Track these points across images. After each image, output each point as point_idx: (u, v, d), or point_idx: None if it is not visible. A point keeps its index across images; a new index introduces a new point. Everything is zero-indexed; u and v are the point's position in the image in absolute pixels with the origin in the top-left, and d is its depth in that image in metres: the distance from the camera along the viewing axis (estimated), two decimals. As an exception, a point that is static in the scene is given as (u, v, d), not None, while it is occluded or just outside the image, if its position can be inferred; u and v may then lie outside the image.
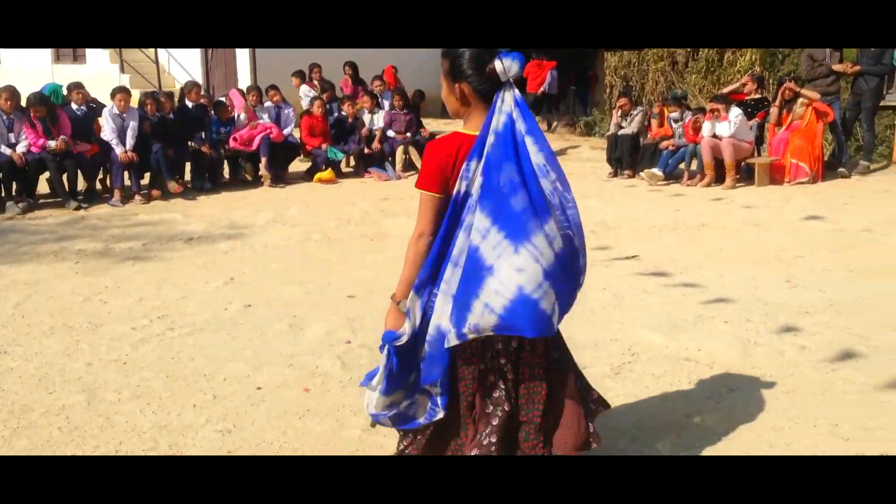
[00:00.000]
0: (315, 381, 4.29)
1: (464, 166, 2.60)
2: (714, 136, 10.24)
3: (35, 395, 4.09)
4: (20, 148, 9.26)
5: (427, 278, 2.69)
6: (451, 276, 2.62)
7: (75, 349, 4.76)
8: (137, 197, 9.74)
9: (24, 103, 9.62)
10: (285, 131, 11.25)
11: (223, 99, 11.61)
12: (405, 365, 2.78)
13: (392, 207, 9.22)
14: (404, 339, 2.72)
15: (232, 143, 10.82)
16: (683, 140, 10.82)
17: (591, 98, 20.49)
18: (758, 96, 11.04)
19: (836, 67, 10.36)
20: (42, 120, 9.39)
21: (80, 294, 5.89)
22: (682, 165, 10.86)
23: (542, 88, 15.06)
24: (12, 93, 9.40)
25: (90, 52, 17.00)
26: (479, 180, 2.58)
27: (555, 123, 16.86)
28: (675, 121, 11.06)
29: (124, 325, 5.17)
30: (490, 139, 2.59)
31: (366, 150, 11.74)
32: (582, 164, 12.32)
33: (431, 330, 2.68)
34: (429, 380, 2.75)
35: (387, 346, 2.77)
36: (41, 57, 17.77)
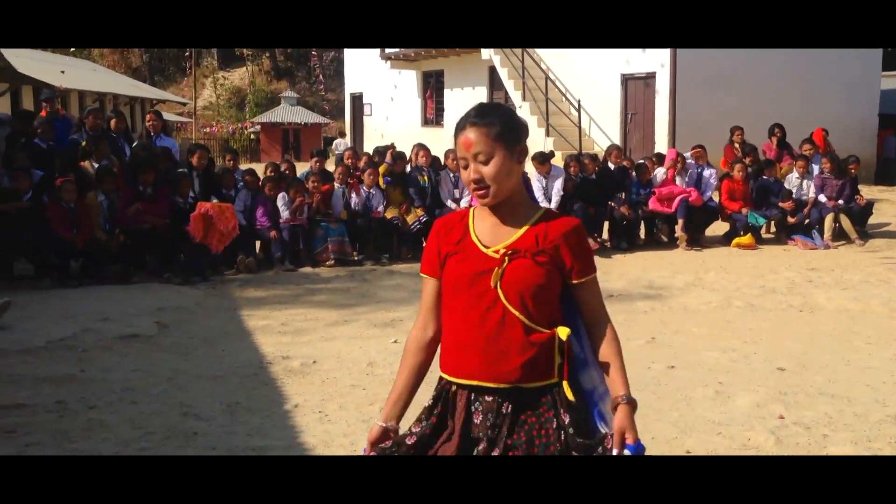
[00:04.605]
0: (747, 455, 4.09)
1: None
2: None
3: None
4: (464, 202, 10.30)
5: None
6: None
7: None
8: (559, 252, 10.25)
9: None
10: (705, 195, 11.09)
11: (643, 161, 11.82)
12: None
13: (822, 279, 8.57)
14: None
15: (651, 205, 10.94)
16: None
17: None
18: None
19: None
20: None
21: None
22: None
23: None
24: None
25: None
26: None
27: None
28: None
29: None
30: None
31: (790, 220, 11.10)
32: None
33: None
34: None
35: None
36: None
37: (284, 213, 9.63)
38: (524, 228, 2.27)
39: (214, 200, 9.28)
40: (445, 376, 2.31)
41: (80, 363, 5.66)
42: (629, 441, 2.19)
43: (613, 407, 2.25)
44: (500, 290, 2.21)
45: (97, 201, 8.66)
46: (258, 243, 9.78)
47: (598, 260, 9.60)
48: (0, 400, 4.87)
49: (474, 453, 2.23)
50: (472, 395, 2.26)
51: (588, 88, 17.71)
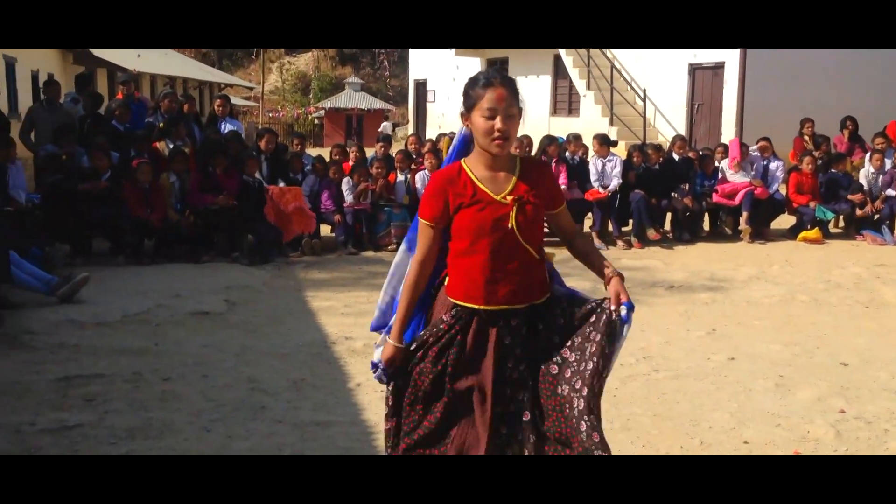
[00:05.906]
0: (806, 447, 4.10)
1: None
2: None
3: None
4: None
5: None
6: None
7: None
8: (620, 242, 10.23)
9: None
10: (771, 188, 10.91)
11: (704, 152, 11.67)
12: None
13: (890, 274, 8.40)
14: None
15: (715, 198, 10.82)
16: None
17: None
18: None
19: None
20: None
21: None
22: None
23: None
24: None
25: (584, 107, 18.36)
26: None
27: None
28: None
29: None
30: None
31: (858, 212, 10.86)
32: None
33: None
34: None
35: None
36: (540, 110, 19.78)
37: (349, 198, 9.80)
38: (516, 177, 2.74)
39: (281, 184, 9.51)
40: (470, 305, 2.74)
41: (154, 337, 5.91)
42: (623, 299, 2.72)
43: (607, 281, 2.78)
44: (516, 232, 2.68)
45: (169, 182, 8.95)
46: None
47: (659, 251, 9.51)
48: (80, 369, 5.13)
49: (508, 361, 2.75)
50: (502, 321, 2.73)
51: (654, 78, 17.54)
